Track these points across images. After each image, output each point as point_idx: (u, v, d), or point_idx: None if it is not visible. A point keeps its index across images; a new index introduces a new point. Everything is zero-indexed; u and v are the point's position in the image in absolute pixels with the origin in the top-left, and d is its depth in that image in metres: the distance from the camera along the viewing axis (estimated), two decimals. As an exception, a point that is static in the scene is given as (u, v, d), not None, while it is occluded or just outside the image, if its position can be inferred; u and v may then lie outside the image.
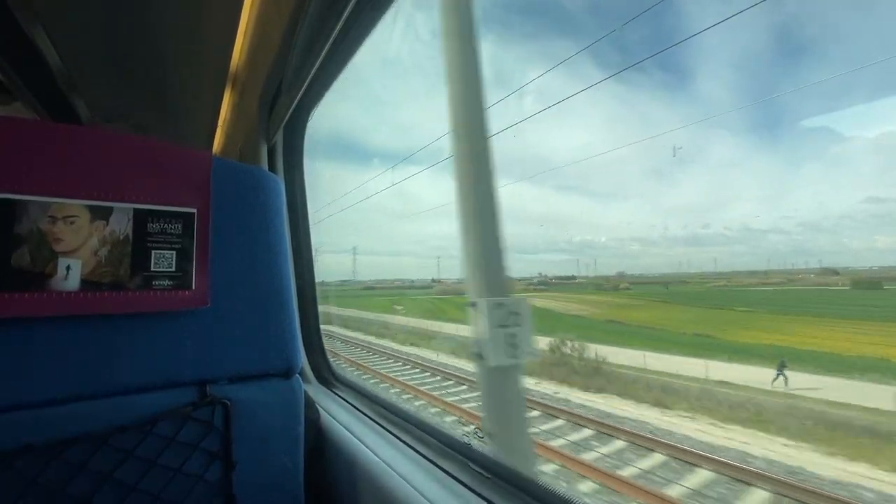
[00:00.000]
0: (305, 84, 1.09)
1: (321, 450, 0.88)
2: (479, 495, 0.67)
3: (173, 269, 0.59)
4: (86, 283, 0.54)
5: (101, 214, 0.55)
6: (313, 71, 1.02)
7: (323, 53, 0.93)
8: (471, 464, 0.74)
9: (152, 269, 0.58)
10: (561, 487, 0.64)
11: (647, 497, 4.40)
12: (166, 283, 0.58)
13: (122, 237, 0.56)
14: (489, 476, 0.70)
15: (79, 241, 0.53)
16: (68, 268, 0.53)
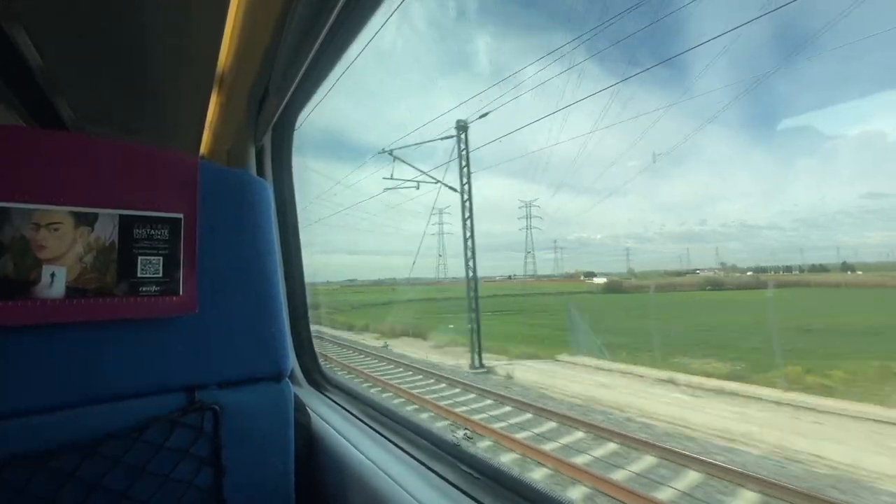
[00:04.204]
0: (294, 85, 1.08)
1: (312, 453, 0.88)
2: (468, 496, 0.68)
3: (160, 275, 0.59)
4: (71, 291, 0.53)
5: (86, 221, 0.54)
6: (301, 72, 1.01)
7: (311, 54, 0.93)
8: (460, 464, 0.74)
9: (139, 275, 0.57)
10: (550, 488, 0.65)
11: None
12: (153, 289, 0.58)
13: (107, 243, 0.55)
14: (479, 476, 0.71)
15: (63, 248, 0.53)
16: (53, 275, 0.52)
